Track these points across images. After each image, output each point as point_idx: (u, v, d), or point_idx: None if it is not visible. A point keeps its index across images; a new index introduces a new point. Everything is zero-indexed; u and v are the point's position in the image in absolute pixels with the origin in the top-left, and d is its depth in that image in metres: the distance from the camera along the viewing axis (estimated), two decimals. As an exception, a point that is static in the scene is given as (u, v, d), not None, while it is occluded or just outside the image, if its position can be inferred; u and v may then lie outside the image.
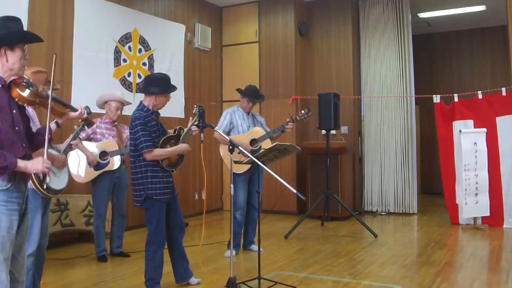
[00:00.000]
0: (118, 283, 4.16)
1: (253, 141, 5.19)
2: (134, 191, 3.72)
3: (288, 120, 5.26)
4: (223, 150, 5.18)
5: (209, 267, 4.59)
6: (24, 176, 2.43)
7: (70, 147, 3.42)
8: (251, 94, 5.21)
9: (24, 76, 2.52)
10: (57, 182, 3.18)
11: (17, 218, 2.38)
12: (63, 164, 2.78)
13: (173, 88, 3.85)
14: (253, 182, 5.23)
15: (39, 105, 2.59)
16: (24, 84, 2.46)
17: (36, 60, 5.11)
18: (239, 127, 5.20)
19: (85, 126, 3.53)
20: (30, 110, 3.15)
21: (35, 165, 2.39)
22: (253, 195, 5.25)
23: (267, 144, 5.13)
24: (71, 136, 3.43)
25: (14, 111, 2.42)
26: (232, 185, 3.67)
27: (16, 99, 2.43)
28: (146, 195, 3.65)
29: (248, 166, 4.85)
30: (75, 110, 2.81)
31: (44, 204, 3.38)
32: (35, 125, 3.18)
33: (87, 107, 3.08)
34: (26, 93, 2.44)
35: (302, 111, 5.42)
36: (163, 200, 3.71)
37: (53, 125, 2.80)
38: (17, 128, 2.41)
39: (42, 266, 3.53)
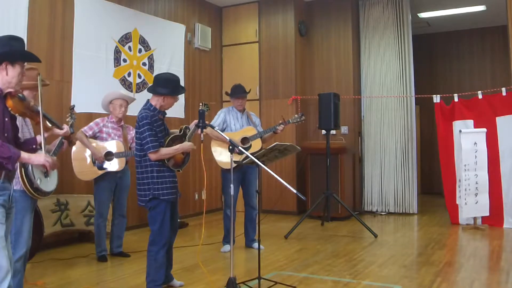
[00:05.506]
0: (118, 283, 4.16)
1: (244, 140, 5.34)
2: (139, 190, 3.71)
3: (280, 121, 5.41)
4: (214, 146, 5.34)
5: (209, 267, 4.59)
6: (8, 176, 2.64)
7: (60, 146, 3.41)
8: (235, 91, 5.43)
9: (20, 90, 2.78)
10: (47, 183, 3.20)
11: (4, 211, 2.60)
12: (54, 166, 2.86)
13: (182, 89, 3.83)
14: (248, 182, 5.35)
15: (28, 117, 2.88)
16: (18, 96, 2.71)
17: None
18: (232, 126, 5.38)
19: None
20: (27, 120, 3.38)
21: (38, 157, 2.68)
22: (249, 194, 5.36)
23: (257, 144, 5.28)
24: (60, 138, 3.42)
25: (6, 119, 2.65)
26: (232, 185, 3.69)
27: (10, 109, 2.67)
28: (152, 195, 3.64)
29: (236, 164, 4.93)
30: (60, 128, 3.27)
31: (32, 207, 3.38)
32: (29, 130, 3.37)
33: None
34: (19, 104, 2.70)
35: (296, 115, 5.64)
36: (170, 200, 3.71)
37: (39, 138, 3.02)
38: (6, 134, 2.63)
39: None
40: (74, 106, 4.04)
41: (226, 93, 5.57)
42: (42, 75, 3.18)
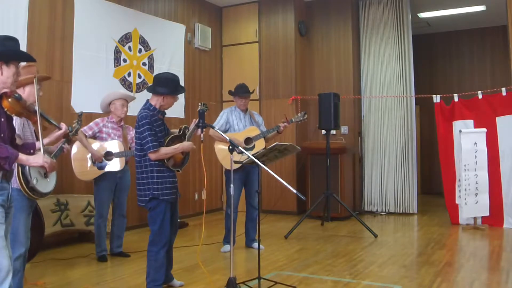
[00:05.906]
0: (118, 283, 4.16)
1: (247, 140, 5.33)
2: (139, 190, 3.70)
3: (283, 120, 5.43)
4: (218, 147, 5.34)
5: (209, 267, 4.59)
6: (6, 176, 2.66)
7: (61, 150, 3.42)
8: (240, 91, 5.42)
9: (16, 91, 2.79)
10: (44, 184, 3.20)
11: (4, 211, 2.63)
12: (53, 168, 2.89)
13: (182, 89, 3.83)
14: (250, 182, 5.35)
15: (25, 117, 2.89)
16: (15, 96, 2.71)
17: (36, 59, 5.09)
18: (235, 126, 5.36)
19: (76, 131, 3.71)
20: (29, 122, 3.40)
21: (36, 159, 2.70)
22: (252, 195, 5.34)
23: (261, 143, 5.28)
24: (63, 140, 3.43)
25: (2, 119, 2.67)
26: (232, 185, 3.68)
27: (5, 109, 2.67)
28: (152, 195, 3.63)
29: (240, 164, 4.92)
30: (58, 127, 3.28)
31: (29, 207, 3.38)
32: (30, 130, 3.42)
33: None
34: (15, 104, 2.70)
35: (299, 114, 5.67)
36: (169, 200, 3.71)
37: (38, 144, 3.04)
38: (2, 135, 2.64)
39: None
40: (82, 113, 4.02)
41: (230, 92, 5.55)
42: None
